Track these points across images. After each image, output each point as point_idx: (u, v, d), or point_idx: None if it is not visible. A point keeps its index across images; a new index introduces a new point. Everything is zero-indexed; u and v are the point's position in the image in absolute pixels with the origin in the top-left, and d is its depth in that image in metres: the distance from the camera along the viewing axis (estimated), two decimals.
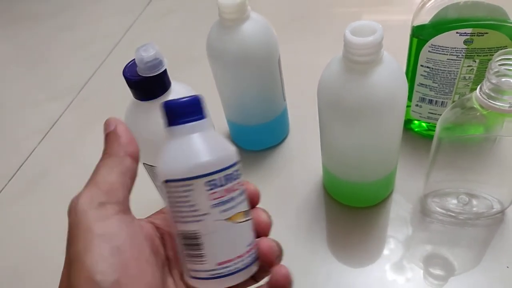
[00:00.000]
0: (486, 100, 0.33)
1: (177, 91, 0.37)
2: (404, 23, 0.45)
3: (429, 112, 0.49)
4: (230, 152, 0.24)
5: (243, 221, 0.24)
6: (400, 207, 0.47)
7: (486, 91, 0.33)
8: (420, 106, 0.50)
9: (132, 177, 0.24)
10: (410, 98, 0.50)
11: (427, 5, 0.42)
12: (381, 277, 0.42)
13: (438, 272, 0.41)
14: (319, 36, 0.73)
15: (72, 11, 0.96)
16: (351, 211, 0.47)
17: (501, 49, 0.41)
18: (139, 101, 0.36)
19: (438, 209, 0.45)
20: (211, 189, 0.23)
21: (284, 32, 0.72)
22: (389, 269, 0.42)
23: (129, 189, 0.24)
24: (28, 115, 0.72)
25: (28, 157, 0.64)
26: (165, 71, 0.35)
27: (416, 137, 0.53)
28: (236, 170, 0.24)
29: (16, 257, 0.51)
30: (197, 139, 0.24)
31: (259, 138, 0.55)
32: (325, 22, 0.77)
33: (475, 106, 0.34)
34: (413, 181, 0.48)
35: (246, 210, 0.25)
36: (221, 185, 0.23)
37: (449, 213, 0.44)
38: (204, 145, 0.23)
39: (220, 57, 0.46)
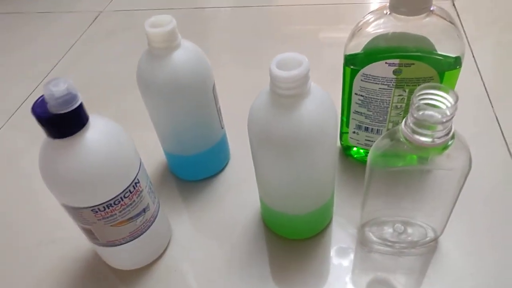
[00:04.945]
0: (411, 134, 0.33)
1: (97, 126, 0.35)
2: None
3: (366, 139, 0.49)
4: None
5: None
6: (339, 237, 0.46)
7: (410, 125, 0.32)
8: (357, 133, 0.49)
9: None
10: (347, 125, 0.50)
11: (357, 35, 0.42)
12: None
13: None
14: (265, 57, 0.73)
15: (9, 31, 0.91)
16: (291, 243, 0.46)
17: (428, 80, 0.42)
18: (53, 139, 0.34)
19: (375, 239, 0.44)
20: None
21: (225, 54, 0.71)
22: None
23: None
24: None
25: None
26: (80, 105, 0.33)
27: (355, 163, 0.53)
28: None
29: None
30: None
31: (197, 168, 0.53)
32: (276, 41, 0.76)
33: (401, 139, 0.34)
34: (352, 208, 0.47)
35: None
36: None
37: (385, 242, 0.44)
38: None
39: (151, 88, 0.44)
